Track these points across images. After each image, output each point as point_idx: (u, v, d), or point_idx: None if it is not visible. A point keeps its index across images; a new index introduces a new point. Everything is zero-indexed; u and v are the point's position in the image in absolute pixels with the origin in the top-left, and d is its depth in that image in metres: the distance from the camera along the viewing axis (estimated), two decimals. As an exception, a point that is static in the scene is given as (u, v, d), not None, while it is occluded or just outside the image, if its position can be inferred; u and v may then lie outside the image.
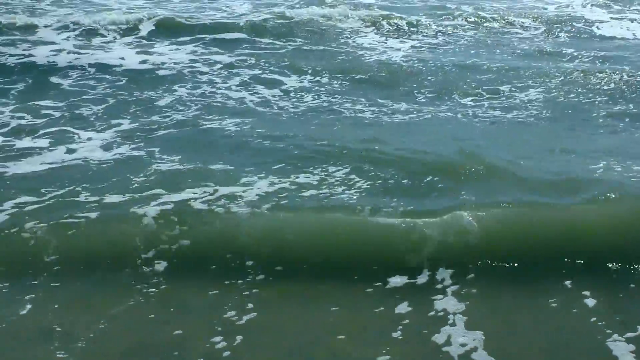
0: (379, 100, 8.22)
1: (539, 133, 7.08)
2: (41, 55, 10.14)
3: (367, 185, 5.48)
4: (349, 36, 12.09)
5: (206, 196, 5.23)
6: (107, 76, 9.21)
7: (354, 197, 5.23)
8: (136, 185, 5.53)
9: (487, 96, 8.48)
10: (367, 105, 8.02)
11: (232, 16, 13.28)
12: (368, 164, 5.88)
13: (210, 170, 5.81)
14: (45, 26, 11.55)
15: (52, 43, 10.86)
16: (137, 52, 10.56)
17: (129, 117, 7.54)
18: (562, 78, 9.25)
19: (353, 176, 5.65)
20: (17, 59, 9.84)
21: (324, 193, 5.31)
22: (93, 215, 4.96)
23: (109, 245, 4.72)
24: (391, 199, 5.19)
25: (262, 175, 5.65)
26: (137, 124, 7.28)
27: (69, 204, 5.17)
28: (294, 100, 8.27)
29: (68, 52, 10.39)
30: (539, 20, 13.85)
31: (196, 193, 5.29)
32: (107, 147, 6.58)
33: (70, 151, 6.49)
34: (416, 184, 5.51)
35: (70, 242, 4.71)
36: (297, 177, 5.63)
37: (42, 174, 5.89)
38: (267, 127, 7.03)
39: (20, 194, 5.38)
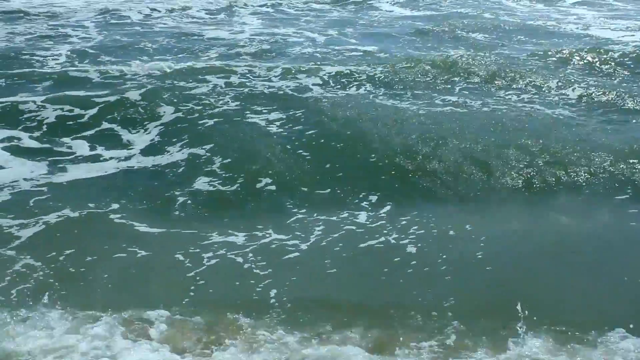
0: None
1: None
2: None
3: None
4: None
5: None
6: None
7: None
8: (176, 212, 5.38)
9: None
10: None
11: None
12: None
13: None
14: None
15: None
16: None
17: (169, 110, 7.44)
18: None
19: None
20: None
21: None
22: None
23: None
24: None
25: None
26: (179, 123, 7.12)
27: (111, 233, 5.02)
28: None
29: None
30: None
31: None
32: (144, 154, 6.53)
33: (105, 159, 6.41)
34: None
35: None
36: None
37: (80, 185, 5.84)
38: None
39: (63, 208, 5.29)
